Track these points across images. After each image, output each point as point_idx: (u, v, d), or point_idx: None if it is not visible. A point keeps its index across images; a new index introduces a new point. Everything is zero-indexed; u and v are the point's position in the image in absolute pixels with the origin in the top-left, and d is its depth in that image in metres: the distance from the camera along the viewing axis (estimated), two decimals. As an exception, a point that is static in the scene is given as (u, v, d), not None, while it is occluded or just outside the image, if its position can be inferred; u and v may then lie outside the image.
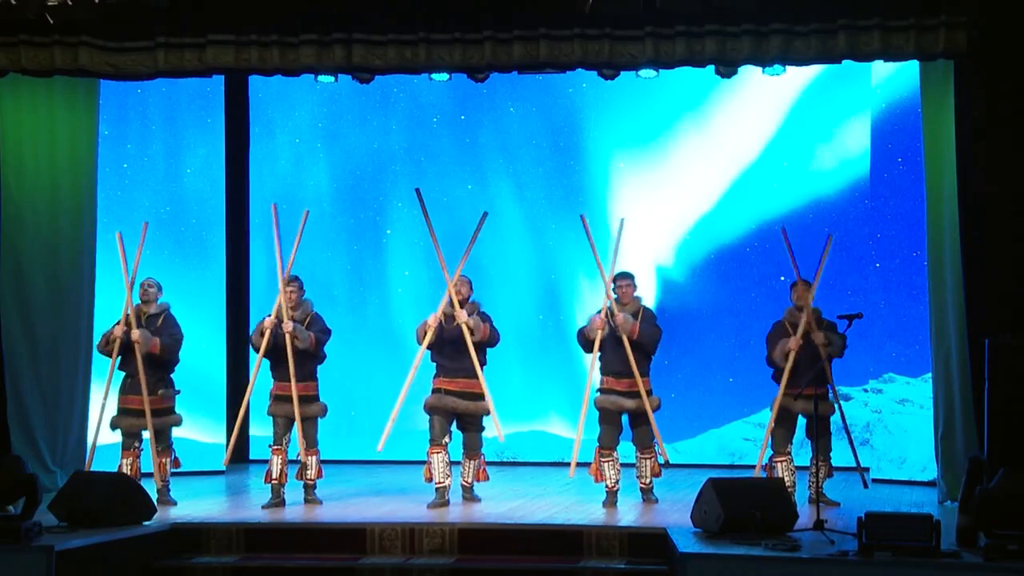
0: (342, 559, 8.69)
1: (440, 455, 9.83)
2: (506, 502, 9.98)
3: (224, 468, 11.34)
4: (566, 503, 9.96)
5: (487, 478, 10.08)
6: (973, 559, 7.50)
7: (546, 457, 12.79)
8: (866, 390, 11.97)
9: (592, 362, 9.99)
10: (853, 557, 7.56)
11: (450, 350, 9.92)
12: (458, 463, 10.02)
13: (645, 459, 9.95)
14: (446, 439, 9.90)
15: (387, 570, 8.53)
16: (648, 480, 9.96)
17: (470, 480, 9.99)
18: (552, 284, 13.01)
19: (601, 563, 8.50)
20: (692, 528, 8.53)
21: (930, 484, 10.65)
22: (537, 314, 12.88)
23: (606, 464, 9.87)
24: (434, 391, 9.97)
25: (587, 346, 9.98)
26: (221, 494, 10.78)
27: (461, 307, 9.91)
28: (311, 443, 10.02)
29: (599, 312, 9.93)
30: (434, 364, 10.03)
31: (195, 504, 9.95)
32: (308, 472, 9.98)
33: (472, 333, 9.79)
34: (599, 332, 9.84)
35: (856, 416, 11.99)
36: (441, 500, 9.74)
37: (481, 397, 9.93)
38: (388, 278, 13.01)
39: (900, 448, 11.42)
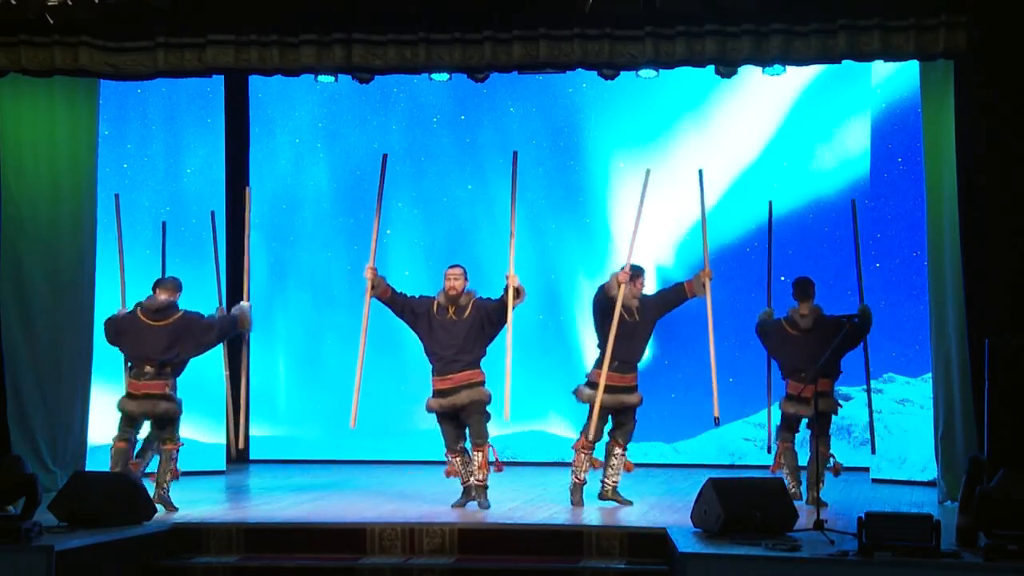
0: (342, 559, 8.68)
1: (460, 458, 9.73)
2: (506, 502, 9.96)
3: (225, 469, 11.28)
4: (566, 503, 9.94)
5: (501, 469, 9.80)
6: (973, 559, 7.50)
7: (546, 457, 12.79)
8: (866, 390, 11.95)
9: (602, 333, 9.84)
10: (853, 557, 7.55)
11: (443, 341, 9.76)
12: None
13: (623, 456, 9.89)
14: (460, 444, 9.75)
15: (387, 570, 8.53)
16: (618, 479, 9.91)
17: (482, 478, 9.69)
18: (552, 284, 13.01)
19: (601, 563, 8.50)
20: (692, 528, 8.53)
21: (930, 484, 10.65)
22: (537, 314, 12.87)
23: (586, 456, 9.82)
24: (435, 393, 9.81)
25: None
26: (221, 494, 10.78)
27: (454, 303, 9.78)
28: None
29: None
30: (430, 363, 9.88)
31: (195, 504, 9.95)
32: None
33: (518, 295, 9.66)
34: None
35: (856, 416, 11.99)
36: (468, 498, 9.71)
37: (480, 384, 9.74)
38: (388, 278, 12.94)
39: (900, 448, 11.41)
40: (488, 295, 9.94)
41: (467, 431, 9.77)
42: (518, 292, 9.70)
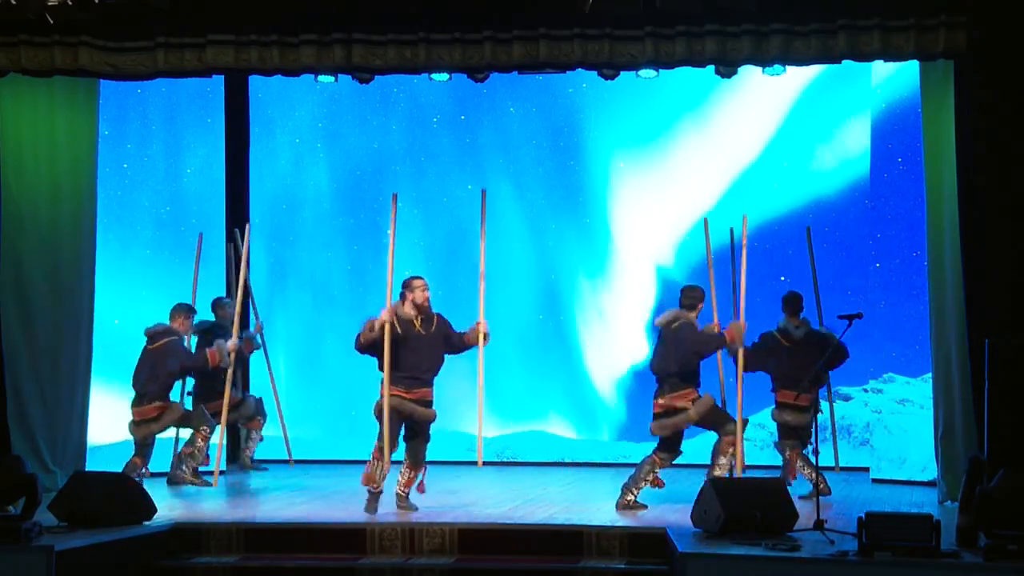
0: (342, 559, 8.69)
1: (382, 463, 9.38)
2: (506, 502, 9.98)
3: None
4: (566, 503, 9.96)
5: (423, 491, 9.55)
6: (973, 559, 7.50)
7: (546, 457, 12.79)
8: (866, 390, 11.96)
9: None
10: (853, 557, 7.55)
11: (409, 358, 9.43)
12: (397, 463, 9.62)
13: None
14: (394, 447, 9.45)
15: (387, 570, 8.53)
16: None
17: (406, 489, 9.51)
18: (552, 284, 13.01)
19: (601, 563, 8.50)
20: (692, 528, 8.53)
21: (930, 484, 10.65)
22: (537, 314, 12.88)
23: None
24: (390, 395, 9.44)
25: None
26: (221, 494, 10.78)
27: (420, 314, 9.51)
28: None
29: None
30: (382, 374, 9.44)
31: (195, 504, 9.95)
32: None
33: (486, 338, 9.53)
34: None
35: (856, 416, 12.00)
36: (375, 505, 9.36)
37: (431, 404, 9.51)
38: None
39: (900, 448, 11.41)
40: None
41: (405, 447, 9.58)
42: (485, 336, 9.57)
